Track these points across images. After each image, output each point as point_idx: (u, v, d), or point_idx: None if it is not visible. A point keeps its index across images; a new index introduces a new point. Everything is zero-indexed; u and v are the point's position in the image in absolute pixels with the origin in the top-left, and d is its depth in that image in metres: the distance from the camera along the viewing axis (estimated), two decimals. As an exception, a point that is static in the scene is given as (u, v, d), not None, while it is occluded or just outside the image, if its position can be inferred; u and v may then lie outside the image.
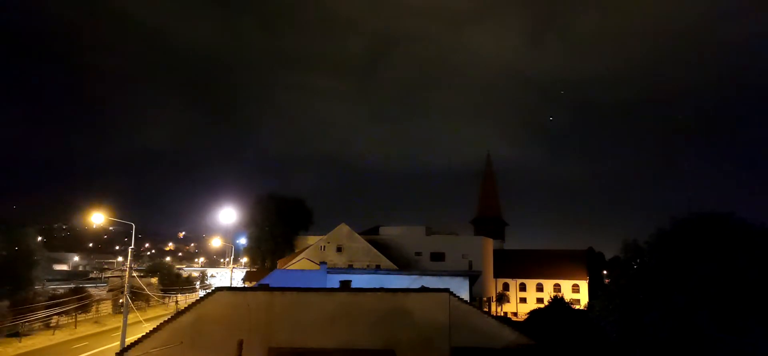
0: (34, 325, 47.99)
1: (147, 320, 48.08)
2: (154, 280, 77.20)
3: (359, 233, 69.00)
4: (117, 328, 46.07)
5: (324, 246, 67.93)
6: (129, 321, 32.68)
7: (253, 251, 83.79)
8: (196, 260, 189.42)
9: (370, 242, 67.67)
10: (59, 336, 48.90)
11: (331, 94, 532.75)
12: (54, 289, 57.89)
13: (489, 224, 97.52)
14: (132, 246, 35.55)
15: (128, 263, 35.17)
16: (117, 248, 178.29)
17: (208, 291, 29.41)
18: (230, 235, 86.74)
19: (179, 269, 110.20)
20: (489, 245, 73.24)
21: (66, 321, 53.35)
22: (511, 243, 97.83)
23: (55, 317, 50.86)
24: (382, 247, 67.74)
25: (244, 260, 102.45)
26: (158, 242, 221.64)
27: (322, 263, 54.22)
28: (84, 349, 43.82)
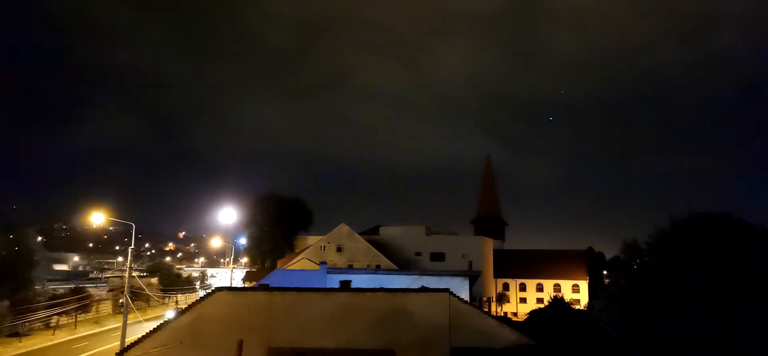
0: (34, 325, 47.97)
1: (147, 320, 48.08)
2: (154, 280, 77.15)
3: (359, 233, 68.99)
4: (117, 328, 46.06)
5: (324, 246, 67.92)
6: (129, 321, 32.69)
7: (253, 251, 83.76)
8: (196, 260, 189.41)
9: (370, 242, 67.65)
10: (59, 336, 48.89)
11: (258, 87, 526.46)
12: (54, 289, 57.88)
13: (489, 224, 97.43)
14: (132, 246, 35.58)
15: (128, 263, 35.19)
16: (117, 248, 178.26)
17: (208, 291, 29.42)
18: (230, 235, 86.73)
19: (179, 269, 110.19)
20: (489, 245, 73.21)
21: (66, 321, 53.34)
22: (511, 243, 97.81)
23: (55, 317, 50.83)
24: (382, 247, 67.73)
25: (244, 260, 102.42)
26: (158, 242, 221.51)
27: (322, 263, 54.24)
28: (84, 349, 43.81)
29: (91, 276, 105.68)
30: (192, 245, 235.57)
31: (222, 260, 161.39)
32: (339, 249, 67.51)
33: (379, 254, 65.70)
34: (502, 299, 77.27)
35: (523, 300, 77.28)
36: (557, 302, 35.32)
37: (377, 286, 26.57)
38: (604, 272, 69.60)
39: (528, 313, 39.43)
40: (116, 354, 22.89)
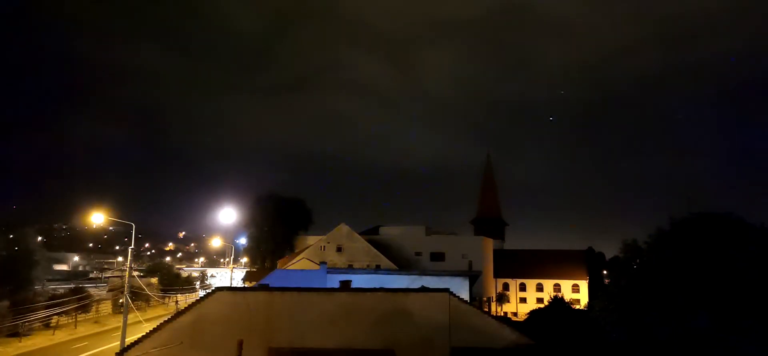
0: (34, 325, 47.94)
1: (147, 320, 48.07)
2: (154, 280, 77.17)
3: (359, 233, 68.97)
4: (117, 328, 46.07)
5: (324, 246, 67.90)
6: (129, 321, 32.70)
7: (253, 251, 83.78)
8: (196, 260, 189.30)
9: (370, 242, 67.64)
10: (59, 336, 48.90)
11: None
12: (54, 289, 57.87)
13: (489, 224, 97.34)
14: (132, 246, 35.61)
15: (128, 263, 35.22)
16: (117, 248, 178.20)
17: (208, 291, 29.42)
18: (230, 235, 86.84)
19: (179, 269, 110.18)
20: (489, 245, 73.20)
21: (66, 321, 53.35)
22: (511, 243, 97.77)
23: (55, 317, 50.83)
24: (382, 247, 67.71)
25: (244, 260, 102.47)
26: (158, 242, 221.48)
27: (322, 263, 54.22)
28: (84, 349, 43.82)
29: (91, 275, 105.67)
30: (192, 245, 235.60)
31: (222, 260, 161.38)
32: (339, 249, 67.49)
33: (379, 254, 65.68)
34: (502, 299, 77.28)
35: (523, 300, 77.30)
36: (557, 302, 35.31)
37: (377, 286, 26.59)
38: (604, 272, 69.63)
39: (528, 313, 39.42)
40: (116, 354, 22.88)
